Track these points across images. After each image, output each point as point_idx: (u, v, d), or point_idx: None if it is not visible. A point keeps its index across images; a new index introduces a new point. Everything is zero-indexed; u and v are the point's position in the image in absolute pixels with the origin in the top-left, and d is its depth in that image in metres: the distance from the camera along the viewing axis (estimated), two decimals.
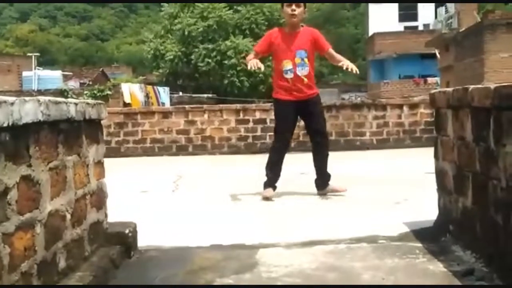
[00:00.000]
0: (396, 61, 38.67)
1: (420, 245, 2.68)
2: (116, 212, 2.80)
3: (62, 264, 1.97)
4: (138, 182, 5.56)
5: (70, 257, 2.04)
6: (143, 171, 6.78)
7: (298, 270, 2.37)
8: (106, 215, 2.57)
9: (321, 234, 3.02)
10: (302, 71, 4.26)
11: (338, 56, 4.45)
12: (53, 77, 26.39)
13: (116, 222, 2.69)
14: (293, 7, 4.21)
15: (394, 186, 4.68)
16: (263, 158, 4.54)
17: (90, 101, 2.40)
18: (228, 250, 2.73)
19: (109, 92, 19.15)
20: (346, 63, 4.29)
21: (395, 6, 42.78)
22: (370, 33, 42.37)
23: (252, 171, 4.62)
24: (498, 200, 2.05)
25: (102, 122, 2.57)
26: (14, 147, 1.62)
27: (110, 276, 2.28)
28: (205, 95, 25.63)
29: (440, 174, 2.86)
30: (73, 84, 28.54)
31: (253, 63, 4.21)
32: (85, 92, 19.44)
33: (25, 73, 27.84)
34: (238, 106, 9.29)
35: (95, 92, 19.10)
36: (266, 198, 4.19)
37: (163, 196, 4.68)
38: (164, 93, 23.14)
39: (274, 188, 4.32)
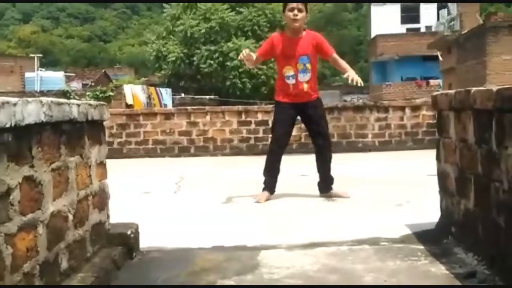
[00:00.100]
0: (398, 63, 38.65)
1: (422, 247, 2.68)
2: (118, 213, 2.80)
3: (64, 265, 1.97)
4: (140, 183, 5.57)
5: (72, 258, 2.04)
6: (145, 172, 6.79)
7: (299, 271, 2.37)
8: (108, 216, 2.57)
9: (322, 235, 3.01)
10: (304, 77, 4.24)
11: (343, 63, 4.36)
12: (55, 78, 26.44)
13: (118, 223, 2.69)
14: (295, 12, 4.15)
15: (396, 188, 4.67)
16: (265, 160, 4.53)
17: (92, 102, 2.40)
18: (230, 252, 2.73)
19: (111, 93, 19.19)
20: (351, 75, 4.18)
21: (397, 8, 42.79)
22: (372, 35, 42.37)
23: (254, 172, 4.62)
24: (500, 202, 2.05)
25: (104, 123, 2.57)
26: (16, 147, 1.63)
27: (112, 277, 2.29)
28: (207, 97, 25.66)
29: (442, 176, 2.86)
30: (76, 85, 28.56)
31: (244, 52, 4.18)
32: (88, 93, 19.48)
33: (27, 74, 27.91)
34: (240, 107, 9.30)
35: (98, 93, 19.13)
36: (258, 202, 4.16)
37: (165, 197, 4.69)
38: (166, 94, 23.17)
39: (272, 192, 4.31)
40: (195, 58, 26.72)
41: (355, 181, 5.06)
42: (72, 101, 2.13)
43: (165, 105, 21.63)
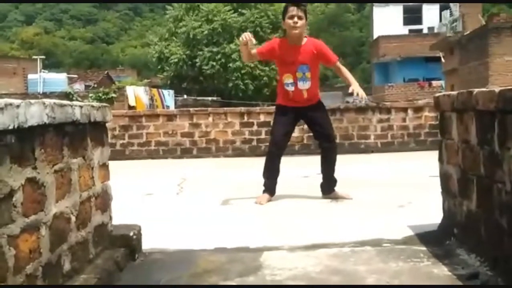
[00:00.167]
0: (400, 64, 38.64)
1: (424, 248, 2.68)
2: (121, 214, 2.81)
3: (67, 266, 1.97)
4: (143, 184, 5.57)
5: (75, 260, 2.05)
6: (147, 173, 6.80)
7: (302, 273, 2.37)
8: (110, 218, 2.57)
9: (325, 237, 3.01)
10: (304, 86, 4.22)
11: (347, 74, 4.30)
12: (58, 80, 26.50)
13: (121, 224, 2.69)
14: (295, 19, 4.11)
15: (399, 189, 4.67)
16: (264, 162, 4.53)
17: (95, 104, 2.41)
18: (232, 253, 2.73)
19: (114, 95, 19.23)
20: (356, 89, 4.12)
21: (399, 9, 42.78)
22: (375, 36, 42.37)
23: (256, 174, 4.62)
24: (503, 204, 2.05)
25: (107, 124, 2.58)
26: (19, 149, 1.63)
27: (114, 279, 2.29)
28: (210, 98, 25.69)
29: (444, 177, 2.85)
30: (78, 87, 28.63)
31: (245, 35, 4.06)
32: (90, 95, 19.53)
33: (30, 76, 27.99)
34: (243, 109, 9.30)
35: (100, 95, 19.17)
36: (260, 203, 4.17)
37: (167, 199, 4.69)
38: (168, 96, 23.20)
39: (272, 194, 4.30)
40: (197, 60, 26.76)
41: (358, 182, 5.06)
42: (74, 102, 2.13)
43: (168, 107, 21.66)
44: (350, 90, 4.22)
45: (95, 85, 29.60)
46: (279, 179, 4.35)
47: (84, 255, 2.16)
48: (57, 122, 1.88)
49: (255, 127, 8.79)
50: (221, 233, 3.24)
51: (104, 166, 2.51)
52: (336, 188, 4.35)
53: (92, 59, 66.11)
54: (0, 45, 61.27)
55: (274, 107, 4.67)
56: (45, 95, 19.57)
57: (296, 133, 7.39)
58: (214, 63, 26.29)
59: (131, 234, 2.61)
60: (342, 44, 52.92)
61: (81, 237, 2.14)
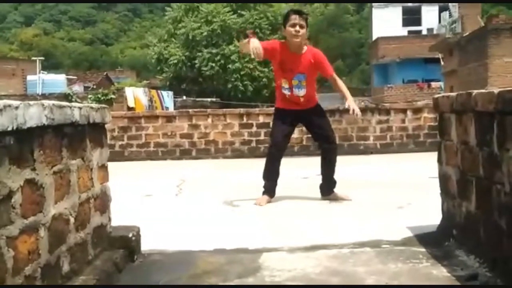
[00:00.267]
0: (399, 66, 38.67)
1: (423, 249, 2.68)
2: (120, 215, 2.81)
3: (65, 267, 1.97)
4: (142, 185, 5.57)
5: (74, 261, 2.05)
6: (146, 175, 6.80)
7: (301, 274, 2.37)
8: (109, 219, 2.57)
9: (324, 238, 3.01)
10: (299, 92, 4.24)
11: (343, 87, 4.31)
12: (57, 81, 26.49)
13: (120, 226, 2.69)
14: (297, 28, 4.10)
15: (398, 191, 4.67)
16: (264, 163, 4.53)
17: (94, 105, 2.41)
18: (232, 254, 2.73)
19: (113, 96, 19.22)
20: (351, 105, 4.13)
21: (399, 11, 42.83)
22: (374, 37, 42.40)
23: (255, 175, 4.62)
24: (502, 205, 2.05)
25: (106, 126, 2.58)
26: (18, 150, 1.63)
27: (113, 280, 2.29)
28: (209, 99, 25.71)
29: (443, 179, 2.85)
30: (77, 88, 28.63)
31: (254, 43, 3.92)
32: (89, 96, 19.52)
33: (29, 77, 27.97)
34: (242, 110, 9.30)
35: (99, 96, 19.17)
36: (259, 205, 4.17)
37: (166, 200, 4.69)
38: (168, 97, 23.20)
39: (272, 195, 4.30)
40: (196, 61, 26.76)
41: (357, 183, 5.06)
42: (73, 104, 2.13)
43: (167, 108, 21.67)
44: (346, 106, 4.28)
45: (94, 86, 29.60)
46: (278, 180, 4.36)
47: (83, 256, 2.16)
48: (56, 124, 1.88)
49: (254, 128, 8.79)
50: (220, 234, 3.24)
51: (103, 167, 2.51)
52: (336, 189, 4.36)
53: (91, 60, 66.12)
54: None
55: (273, 108, 4.67)
56: (44, 96, 19.55)
57: (295, 134, 7.39)
58: (213, 64, 26.30)
59: (130, 235, 2.61)
60: (341, 45, 52.94)
61: (80, 239, 2.14)
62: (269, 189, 4.30)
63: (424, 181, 4.82)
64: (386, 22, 41.82)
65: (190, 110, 9.66)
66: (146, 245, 2.79)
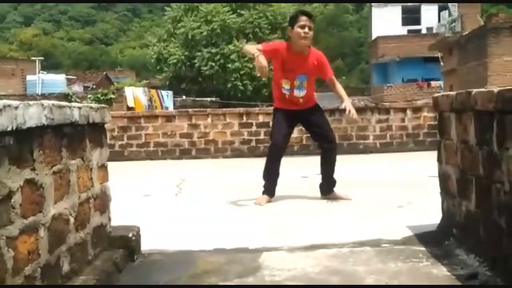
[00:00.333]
0: (399, 65, 38.67)
1: (423, 249, 2.68)
2: (120, 215, 2.81)
3: (65, 267, 1.97)
4: (142, 185, 5.57)
5: (74, 261, 2.05)
6: (146, 174, 6.80)
7: (301, 273, 2.37)
8: (109, 219, 2.57)
9: (324, 237, 3.02)
10: (299, 93, 4.26)
11: (341, 89, 4.38)
12: (57, 81, 26.49)
13: (120, 225, 2.69)
14: (306, 29, 4.11)
15: (397, 190, 4.67)
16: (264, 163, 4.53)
17: (93, 105, 2.41)
18: (231, 254, 2.74)
19: (112, 96, 19.21)
20: (348, 106, 4.20)
21: (398, 10, 42.83)
22: (373, 36, 42.41)
23: (255, 174, 4.62)
24: (502, 204, 2.05)
25: (105, 126, 2.58)
26: (18, 151, 1.63)
27: (113, 280, 2.29)
28: (209, 99, 25.70)
29: (443, 178, 2.86)
30: (77, 88, 28.64)
31: (261, 63, 3.96)
32: (89, 96, 19.51)
33: (29, 77, 27.98)
34: (242, 109, 9.30)
35: (99, 96, 19.16)
36: (259, 204, 4.17)
37: (166, 200, 4.69)
38: (167, 97, 23.19)
39: (271, 195, 4.31)
40: (196, 61, 26.76)
41: (357, 183, 5.06)
42: (73, 104, 2.13)
43: (166, 108, 21.66)
44: (342, 106, 4.32)
45: (94, 86, 29.59)
46: (278, 180, 4.36)
47: (82, 256, 2.16)
48: (55, 124, 1.88)
49: (254, 128, 8.79)
50: (220, 234, 3.24)
51: (103, 167, 2.51)
52: (335, 189, 4.36)
53: (90, 60, 66.08)
54: None
55: (272, 108, 4.67)
56: (44, 96, 19.55)
57: (295, 134, 7.39)
58: (213, 64, 26.29)
59: (130, 235, 2.61)
60: (341, 45, 52.96)
61: (80, 238, 2.14)
62: (269, 189, 4.30)
63: (424, 180, 4.82)
64: (385, 21, 41.83)
65: (189, 109, 9.66)
66: (146, 245, 2.79)
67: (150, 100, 21.32)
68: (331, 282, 2.25)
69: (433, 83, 35.34)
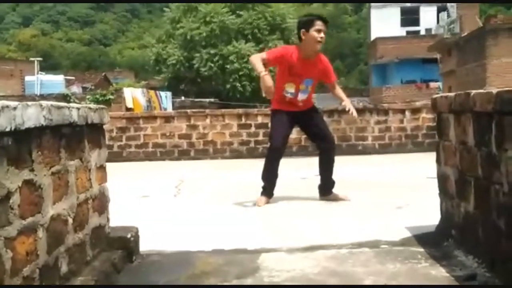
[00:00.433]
0: (398, 66, 38.72)
1: (422, 250, 2.68)
2: (118, 216, 2.81)
3: (64, 268, 1.97)
4: (140, 186, 5.57)
5: (72, 262, 2.04)
6: (145, 175, 6.79)
7: (300, 274, 2.37)
8: (108, 220, 2.57)
9: (322, 238, 3.02)
10: (302, 97, 4.28)
11: (341, 92, 4.47)
12: (55, 81, 26.46)
13: (118, 226, 2.69)
14: (322, 34, 4.13)
15: (396, 191, 4.67)
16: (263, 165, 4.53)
17: (92, 105, 2.41)
18: (230, 255, 2.74)
19: (111, 97, 19.19)
20: (348, 105, 4.27)
21: (397, 11, 42.89)
22: (372, 37, 42.45)
23: (254, 175, 4.63)
24: (500, 205, 2.05)
25: (104, 126, 2.58)
26: (16, 151, 1.63)
27: (112, 281, 2.29)
28: (207, 100, 25.67)
29: (442, 179, 2.86)
30: (76, 88, 28.60)
31: (267, 83, 3.98)
32: (88, 96, 19.48)
33: (27, 78, 27.95)
34: (240, 110, 9.30)
35: (98, 96, 19.14)
36: (258, 205, 4.17)
37: (165, 201, 4.69)
38: (166, 98, 23.18)
39: (270, 196, 4.31)
40: (195, 61, 26.73)
41: (355, 184, 5.06)
42: (72, 104, 2.13)
43: (165, 109, 21.65)
44: (342, 105, 4.39)
45: (93, 87, 29.55)
46: (277, 181, 4.36)
47: (81, 257, 2.16)
48: (54, 124, 1.88)
49: (252, 129, 8.80)
50: (219, 234, 3.24)
51: (102, 168, 2.51)
52: (334, 190, 4.36)
53: (89, 61, 66.03)
54: None
55: (270, 108, 4.67)
56: (43, 97, 19.52)
57: (294, 135, 7.40)
58: (212, 65, 26.27)
59: (129, 236, 2.61)
60: (339, 46, 53.02)
61: (78, 239, 2.14)
62: (268, 190, 4.31)
63: (423, 181, 4.82)
64: (384, 23, 41.89)
65: (188, 110, 9.67)
66: (144, 246, 2.79)
67: (149, 101, 21.30)
68: (330, 283, 2.25)
69: (431, 84, 35.39)
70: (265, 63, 4.16)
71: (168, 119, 8.92)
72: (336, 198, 4.30)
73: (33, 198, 1.74)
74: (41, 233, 1.78)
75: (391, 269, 2.40)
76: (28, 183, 1.70)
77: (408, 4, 42.60)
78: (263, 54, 4.27)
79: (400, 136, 8.89)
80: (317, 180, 4.45)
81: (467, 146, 2.42)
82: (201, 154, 8.74)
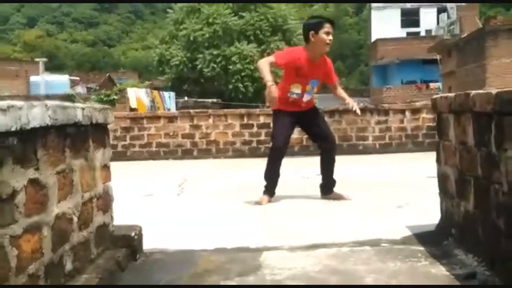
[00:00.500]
0: (398, 67, 38.68)
1: (422, 248, 2.69)
2: (122, 215, 2.83)
3: (68, 266, 1.99)
4: (144, 185, 5.59)
5: (77, 260, 2.07)
6: (148, 174, 6.82)
7: (301, 273, 2.39)
8: (112, 218, 2.59)
9: (324, 237, 3.03)
10: (307, 98, 4.32)
11: (343, 92, 4.56)
12: (60, 82, 26.54)
13: (122, 225, 2.71)
14: (331, 37, 4.17)
15: (397, 190, 4.69)
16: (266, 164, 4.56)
17: (96, 105, 2.43)
18: (232, 253, 2.76)
19: (115, 97, 19.20)
20: (351, 102, 4.39)
21: (397, 12, 42.84)
22: (373, 39, 42.42)
23: (256, 175, 4.65)
24: (500, 204, 2.07)
25: (108, 126, 2.60)
26: (22, 151, 1.65)
27: (116, 279, 2.31)
28: (210, 100, 25.67)
29: (442, 178, 2.87)
30: (80, 89, 28.65)
31: (273, 94, 4.04)
32: (92, 97, 19.51)
33: (32, 78, 28.03)
34: (243, 110, 9.32)
35: (102, 97, 19.15)
36: (260, 204, 4.20)
37: (168, 200, 4.71)
38: (169, 98, 23.20)
39: (272, 195, 4.33)
40: (198, 62, 26.74)
41: (356, 183, 5.08)
42: (76, 104, 2.15)
43: (168, 109, 21.67)
44: (345, 103, 4.51)
45: (97, 87, 29.58)
46: (279, 180, 4.38)
47: (85, 255, 2.18)
48: (59, 124, 1.90)
49: (255, 129, 8.82)
50: (221, 233, 3.26)
51: (106, 167, 2.53)
52: (335, 189, 4.38)
53: (93, 61, 66.11)
54: (2, 48, 61.36)
55: (271, 108, 4.69)
56: (48, 97, 19.56)
57: (295, 135, 7.42)
58: (215, 66, 26.27)
59: (132, 234, 2.63)
60: (340, 47, 52.93)
61: (83, 238, 2.16)
62: (270, 189, 4.33)
63: (423, 180, 4.83)
64: (384, 24, 41.86)
65: (191, 110, 9.69)
66: (148, 244, 2.81)
67: (153, 101, 21.32)
68: (331, 281, 2.27)
69: (431, 85, 35.35)
70: (273, 64, 4.22)
71: (171, 119, 8.95)
72: (337, 197, 4.32)
73: (38, 197, 1.76)
74: (46, 232, 1.80)
75: (392, 268, 2.42)
76: (33, 182, 1.72)
77: (408, 6, 42.54)
78: (271, 58, 4.26)
79: (400, 136, 8.89)
80: (318, 179, 4.47)
81: (467, 146, 2.43)
82: (204, 154, 8.76)
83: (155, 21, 72.95)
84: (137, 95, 19.93)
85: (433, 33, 37.83)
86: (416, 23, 42.99)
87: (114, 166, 2.72)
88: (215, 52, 26.35)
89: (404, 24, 42.88)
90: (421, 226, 3.07)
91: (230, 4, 26.81)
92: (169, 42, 28.24)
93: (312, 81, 4.27)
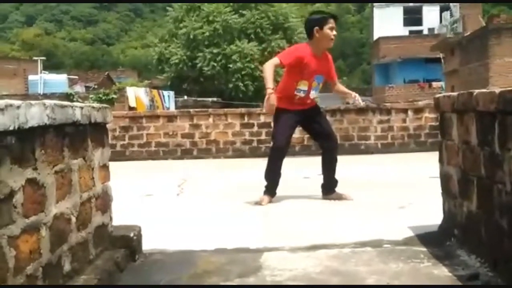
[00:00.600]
0: (401, 65, 38.67)
1: (424, 249, 2.68)
2: (121, 215, 2.81)
3: (67, 267, 1.97)
4: (143, 185, 5.57)
5: (75, 260, 2.05)
6: (147, 174, 6.80)
7: (302, 274, 2.37)
8: (111, 218, 2.58)
9: (325, 238, 3.01)
10: (313, 94, 4.32)
11: (342, 86, 4.63)
12: (58, 81, 26.52)
13: (121, 225, 2.69)
14: (335, 32, 4.19)
15: (399, 190, 4.67)
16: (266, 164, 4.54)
17: (95, 105, 2.41)
18: (232, 254, 2.74)
19: (114, 96, 19.23)
20: (354, 93, 4.47)
21: (400, 11, 42.85)
22: (375, 37, 42.41)
23: (256, 174, 4.63)
24: (503, 204, 2.05)
25: (107, 125, 2.58)
26: (20, 150, 1.63)
27: (114, 279, 2.29)
28: (210, 99, 25.69)
29: (445, 178, 2.86)
30: (79, 88, 28.64)
31: (273, 103, 4.05)
32: (91, 96, 19.53)
33: (31, 77, 28.01)
34: (243, 110, 9.31)
35: (101, 96, 19.18)
36: (260, 204, 4.18)
37: (167, 200, 4.69)
38: (169, 97, 23.20)
39: (273, 195, 4.31)
40: (198, 61, 26.74)
41: (358, 183, 5.06)
42: (75, 103, 2.13)
43: (168, 108, 21.68)
44: (347, 92, 4.59)
45: (96, 86, 29.59)
46: (280, 180, 4.36)
47: (84, 255, 2.16)
48: (57, 123, 1.88)
49: (255, 128, 8.80)
50: (221, 233, 3.25)
51: (105, 167, 2.52)
52: (337, 189, 4.36)
53: (92, 60, 66.12)
54: (0, 46, 61.32)
55: None
56: (46, 96, 19.56)
57: (296, 134, 7.40)
58: (215, 64, 26.27)
59: (131, 235, 2.61)
60: (342, 45, 52.95)
61: (82, 238, 2.14)
62: (271, 189, 4.31)
63: (425, 180, 4.81)
64: (387, 22, 41.84)
65: (191, 109, 9.67)
66: (147, 245, 2.79)
67: (152, 100, 21.34)
68: (332, 282, 2.25)
69: (434, 84, 35.35)
70: (278, 65, 4.22)
71: (171, 118, 8.93)
72: (338, 197, 4.30)
73: (36, 196, 1.74)
74: (44, 232, 1.78)
75: (394, 269, 2.40)
76: (31, 181, 1.70)
77: (411, 4, 42.54)
78: (276, 60, 4.20)
79: (402, 135, 8.88)
80: (319, 179, 4.45)
81: (470, 145, 2.41)
82: (204, 153, 8.74)
83: (154, 19, 73.05)
84: (136, 94, 19.94)
85: (435, 32, 37.85)
86: (419, 22, 42.99)
87: (113, 165, 2.71)
88: (215, 51, 26.34)
89: (407, 22, 42.88)
90: (424, 226, 3.05)
91: (231, 3, 26.80)
92: (169, 40, 28.24)
93: (317, 77, 4.28)
